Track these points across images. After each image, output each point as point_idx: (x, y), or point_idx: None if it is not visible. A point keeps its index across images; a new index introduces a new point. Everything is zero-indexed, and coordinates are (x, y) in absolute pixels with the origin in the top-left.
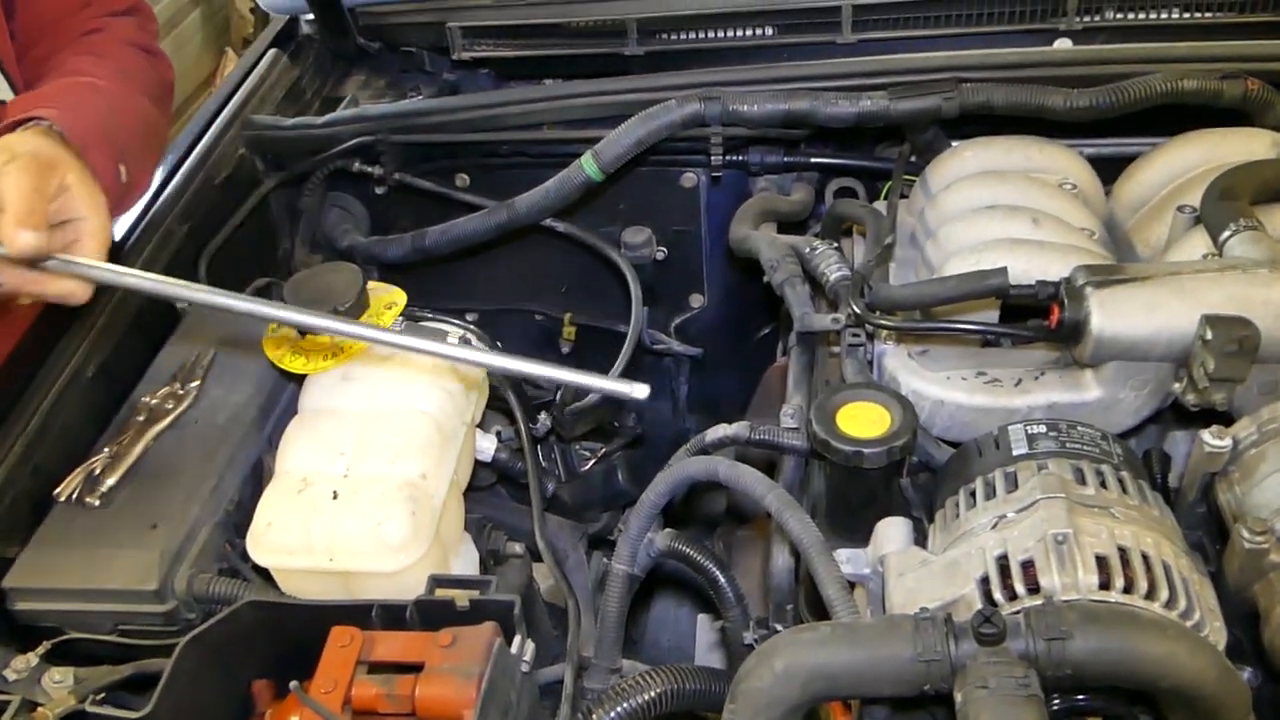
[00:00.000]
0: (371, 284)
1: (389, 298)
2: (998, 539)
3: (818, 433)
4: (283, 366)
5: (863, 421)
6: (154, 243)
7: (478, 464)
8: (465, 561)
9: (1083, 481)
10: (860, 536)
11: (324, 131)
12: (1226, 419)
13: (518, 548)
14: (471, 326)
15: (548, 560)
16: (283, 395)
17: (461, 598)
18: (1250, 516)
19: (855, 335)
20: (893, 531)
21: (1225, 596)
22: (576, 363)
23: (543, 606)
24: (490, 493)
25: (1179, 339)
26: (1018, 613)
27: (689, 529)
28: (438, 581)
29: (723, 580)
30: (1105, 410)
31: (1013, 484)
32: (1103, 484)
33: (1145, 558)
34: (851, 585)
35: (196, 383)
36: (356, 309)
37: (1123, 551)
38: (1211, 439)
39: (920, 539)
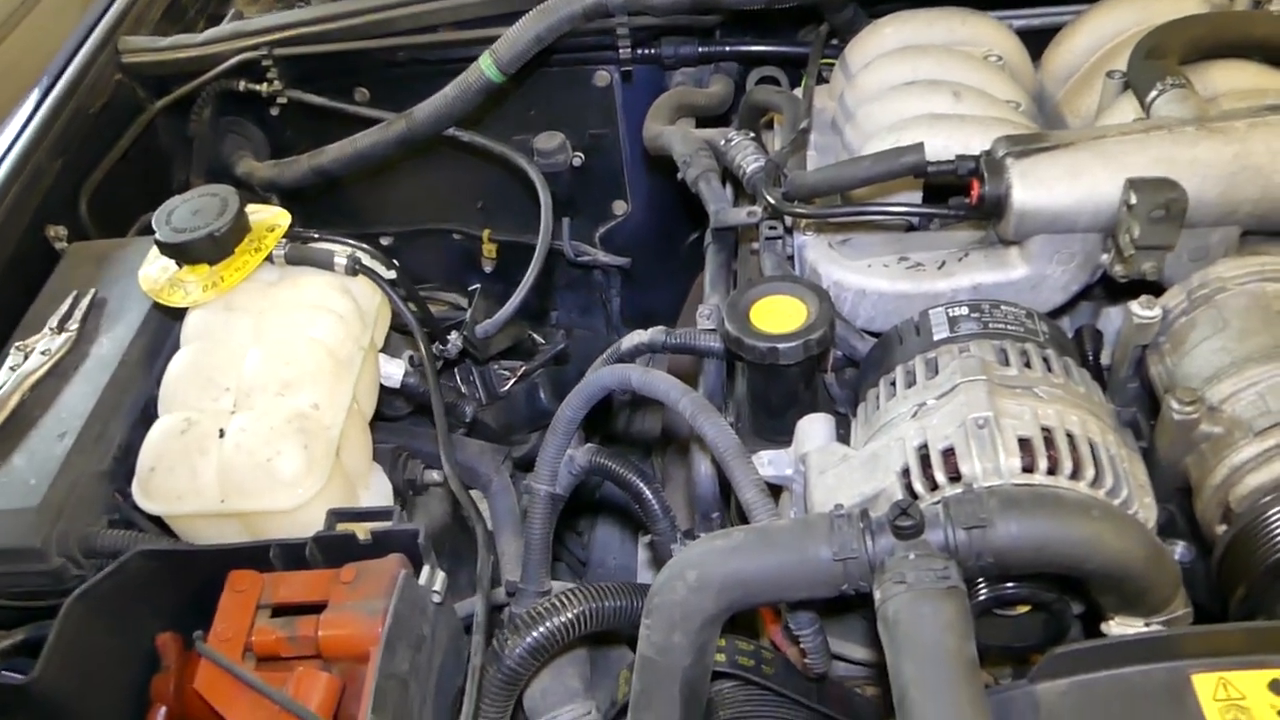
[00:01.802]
0: (253, 206)
1: (271, 220)
2: (917, 428)
3: (730, 331)
4: (161, 301)
5: (778, 316)
6: (22, 181)
7: (390, 391)
8: (376, 494)
9: (1005, 362)
10: (784, 437)
11: (203, 50)
12: (1157, 289)
13: (436, 475)
14: (362, 246)
15: (454, 485)
16: (170, 333)
17: (363, 531)
18: (1180, 388)
19: (772, 228)
20: (813, 429)
21: (1157, 471)
22: (501, 282)
23: (480, 532)
24: (408, 421)
25: (1104, 207)
26: (938, 503)
27: (627, 450)
28: (338, 516)
29: (647, 494)
30: (1033, 288)
31: (933, 370)
32: (1026, 363)
33: (1070, 437)
34: (777, 488)
35: (76, 326)
36: (235, 233)
37: (1047, 432)
38: (1140, 309)
39: (846, 435)
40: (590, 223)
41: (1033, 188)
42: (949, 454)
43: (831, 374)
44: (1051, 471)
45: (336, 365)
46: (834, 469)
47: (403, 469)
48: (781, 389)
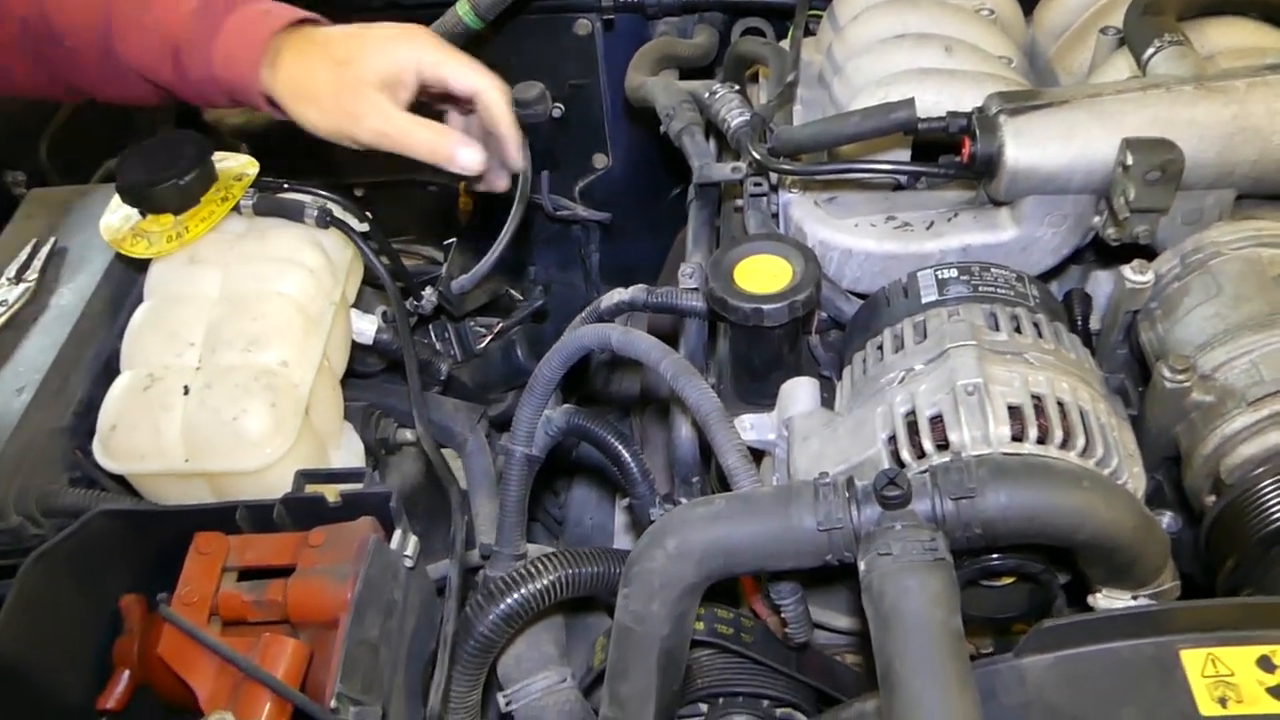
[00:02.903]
0: (220, 155)
1: (238, 169)
2: (905, 393)
3: (714, 291)
4: (123, 251)
5: (763, 276)
6: None
7: (362, 348)
8: (347, 453)
9: (995, 327)
10: (768, 401)
11: None
12: (1150, 253)
13: (409, 435)
14: (334, 197)
15: (426, 445)
16: (134, 285)
17: (333, 493)
18: (1172, 355)
19: (758, 184)
20: (798, 392)
21: (1146, 440)
22: (478, 236)
23: (454, 493)
24: (382, 378)
25: (1099, 167)
26: (925, 472)
27: (605, 410)
28: (307, 477)
29: (626, 456)
30: (1023, 250)
31: (921, 334)
32: (1017, 328)
33: (1061, 404)
34: (759, 453)
35: (35, 276)
36: (200, 182)
37: (1037, 399)
38: (1132, 274)
39: (830, 399)
40: (570, 176)
41: (1026, 146)
42: (937, 421)
43: (816, 336)
44: (1041, 440)
45: (306, 321)
46: (818, 435)
47: (375, 427)
48: (765, 351)
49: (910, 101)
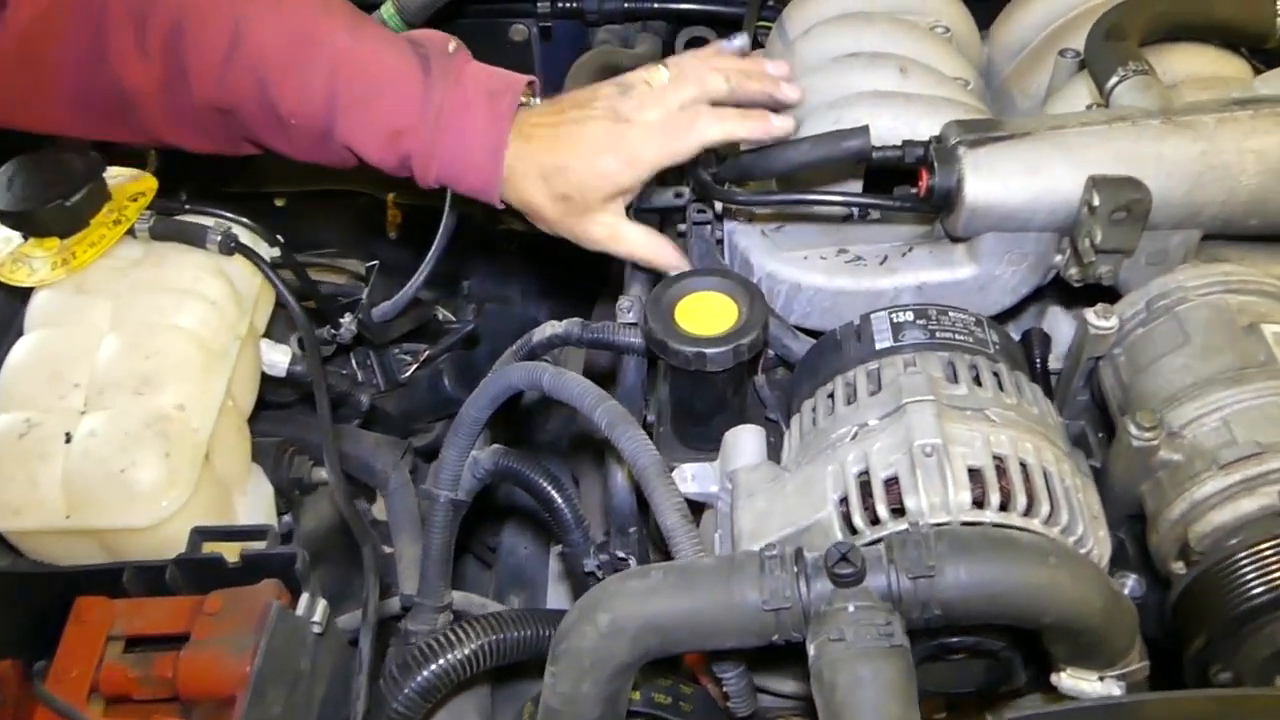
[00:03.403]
0: (115, 170)
1: (135, 186)
2: (858, 452)
3: (653, 332)
4: (2, 279)
5: (706, 315)
6: None
7: (273, 380)
8: (255, 500)
9: (954, 378)
10: (710, 447)
11: None
12: (1112, 294)
13: (323, 473)
14: (242, 220)
15: (339, 499)
16: (16, 317)
17: (233, 552)
18: (1138, 409)
19: (701, 211)
20: (743, 443)
21: (1109, 495)
22: (408, 250)
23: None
24: (299, 409)
25: (1062, 205)
26: (879, 540)
27: (538, 450)
28: (204, 534)
29: (558, 500)
30: (981, 289)
31: (876, 384)
32: (976, 379)
33: (1024, 466)
34: (700, 506)
35: None
36: (90, 202)
37: (999, 461)
38: (1096, 319)
39: (778, 444)
40: None
41: (986, 181)
42: (892, 483)
43: (762, 375)
44: (1004, 506)
45: (207, 358)
46: (764, 492)
47: (289, 466)
48: (708, 396)
49: (864, 130)
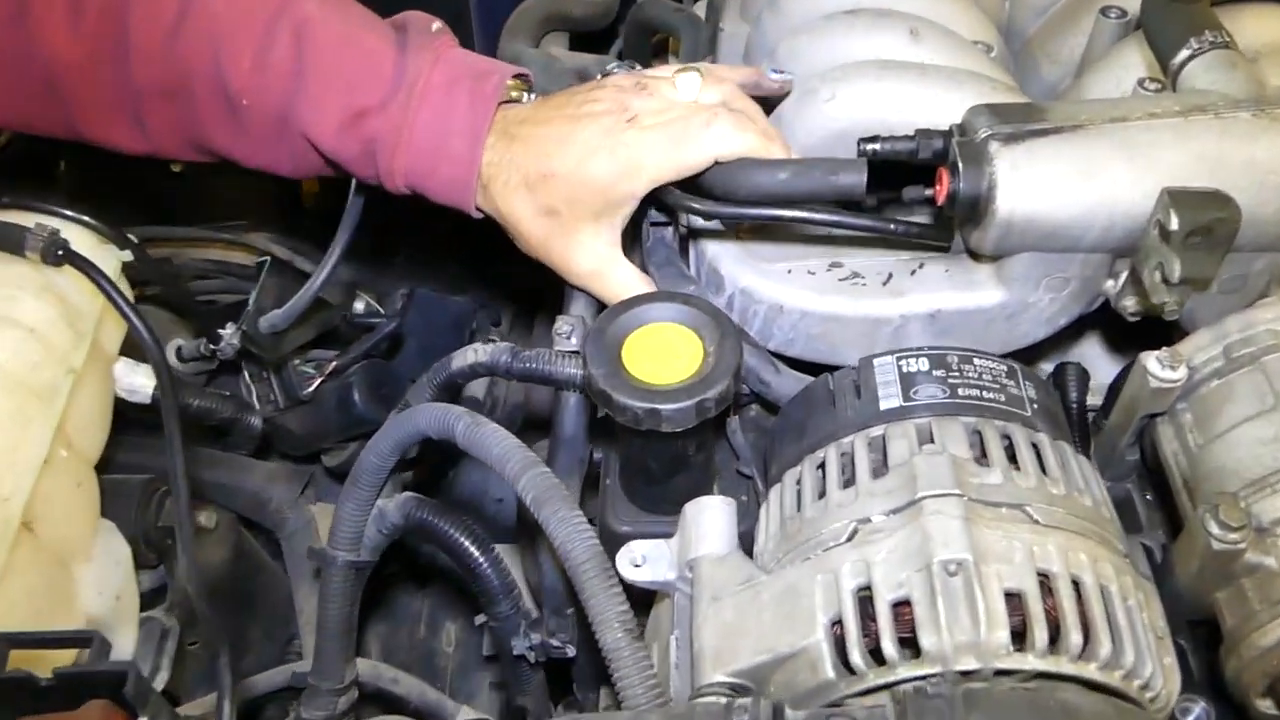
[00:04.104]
0: None
1: None
2: (858, 560)
3: (594, 380)
4: None
5: (662, 356)
6: None
7: (138, 408)
8: (104, 566)
9: (983, 456)
10: (668, 509)
11: None
12: (1168, 325)
13: (203, 518)
14: (83, 218)
15: (183, 573)
16: None
17: (46, 669)
18: (1211, 489)
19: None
20: (707, 520)
21: (1168, 594)
22: (328, 226)
23: (279, 581)
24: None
25: (1122, 221)
26: (886, 687)
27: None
28: (11, 641)
29: (483, 564)
30: (1008, 319)
31: (879, 458)
32: (1012, 457)
33: (1077, 587)
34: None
35: None
36: None
37: (1045, 580)
38: (1159, 369)
39: (752, 506)
40: None
41: (1026, 188)
42: (903, 607)
43: (735, 417)
44: (1052, 645)
45: (20, 403)
46: (734, 598)
47: (157, 509)
48: (664, 455)
49: (862, 164)
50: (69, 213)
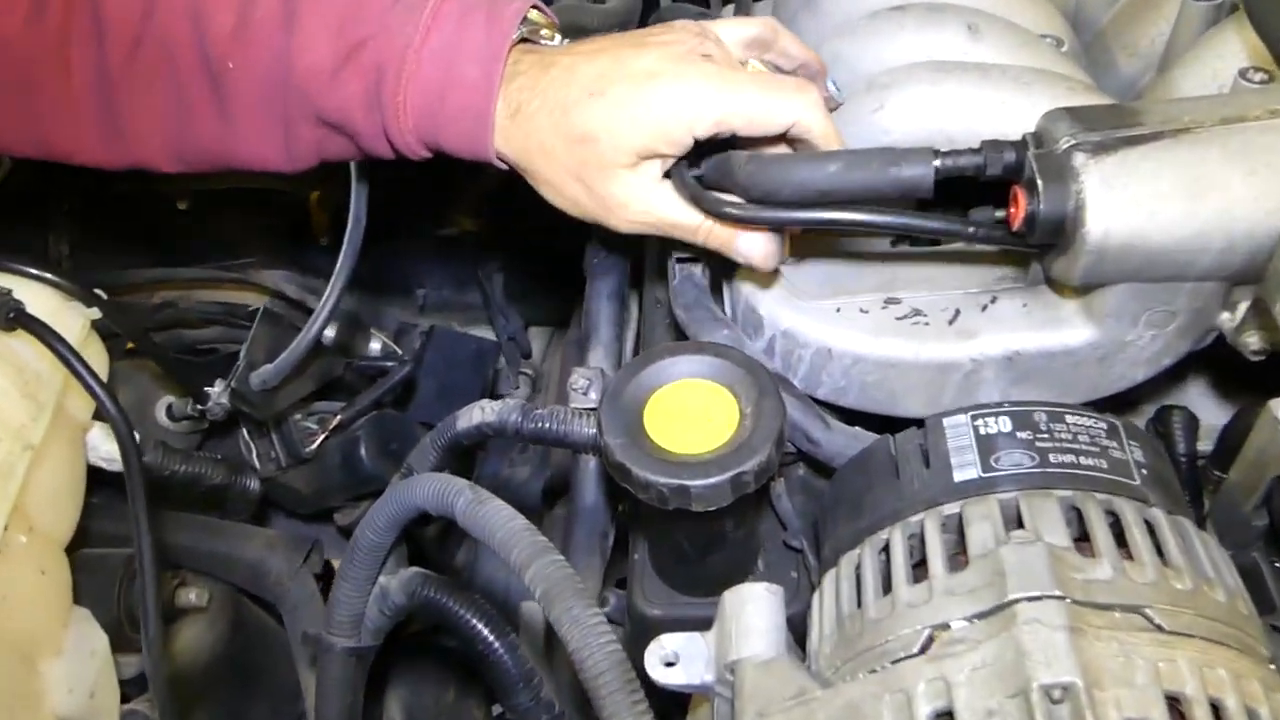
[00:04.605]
0: None
1: None
2: (934, 677)
3: (612, 451)
4: None
5: (691, 420)
6: None
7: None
8: (76, 660)
9: (1085, 541)
10: (704, 591)
11: None
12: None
13: (193, 595)
14: (45, 275)
15: (154, 664)
16: None
17: None
18: None
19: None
20: (750, 616)
21: None
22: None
23: (287, 654)
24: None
25: (1243, 242)
26: None
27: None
28: None
29: (498, 649)
30: (1100, 361)
31: (956, 546)
32: (1121, 543)
33: (1218, 713)
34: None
35: None
36: None
37: (1175, 704)
38: None
39: (803, 587)
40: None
41: (1123, 208)
42: None
43: (780, 481)
44: None
45: None
46: (785, 714)
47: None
48: (699, 535)
49: (927, 154)
50: (30, 269)
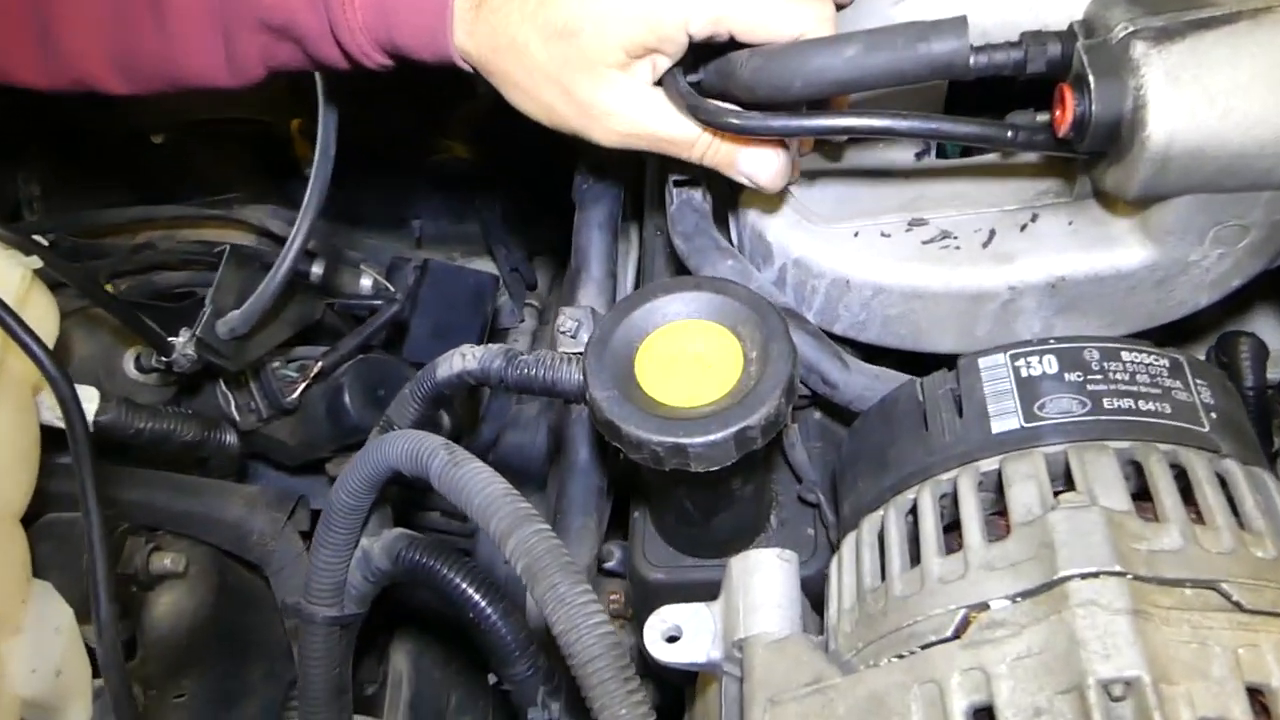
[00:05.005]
0: None
1: None
2: (971, 667)
3: (600, 406)
4: None
5: (689, 369)
6: None
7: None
8: (39, 637)
9: (1146, 503)
10: (707, 553)
11: None
12: None
13: (169, 561)
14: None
15: (110, 637)
16: None
17: None
18: None
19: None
20: (759, 586)
21: None
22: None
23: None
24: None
25: None
26: None
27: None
28: None
29: (492, 616)
30: (1158, 285)
31: (993, 507)
32: (1190, 503)
33: None
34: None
35: None
36: None
37: (1258, 697)
38: None
39: (820, 545)
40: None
41: (1191, 106)
42: None
43: (793, 426)
44: None
45: None
46: (799, 703)
47: (116, 555)
48: (702, 495)
49: (960, 22)
50: None
